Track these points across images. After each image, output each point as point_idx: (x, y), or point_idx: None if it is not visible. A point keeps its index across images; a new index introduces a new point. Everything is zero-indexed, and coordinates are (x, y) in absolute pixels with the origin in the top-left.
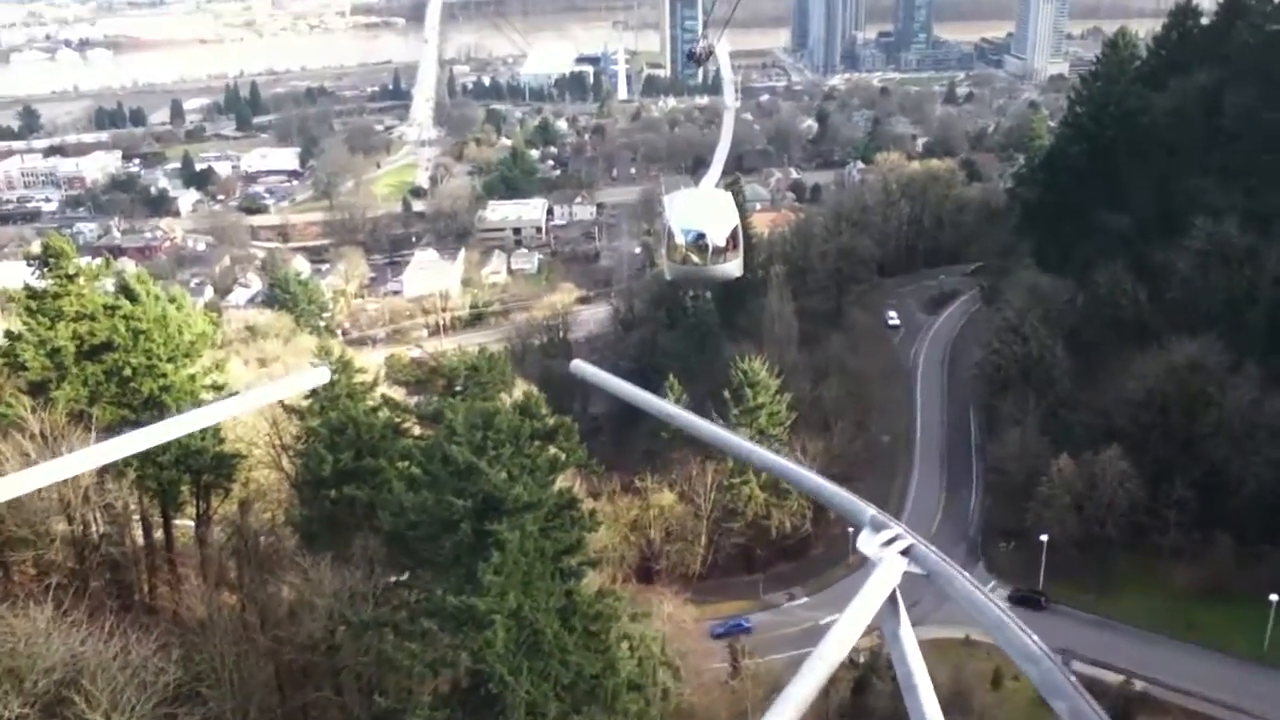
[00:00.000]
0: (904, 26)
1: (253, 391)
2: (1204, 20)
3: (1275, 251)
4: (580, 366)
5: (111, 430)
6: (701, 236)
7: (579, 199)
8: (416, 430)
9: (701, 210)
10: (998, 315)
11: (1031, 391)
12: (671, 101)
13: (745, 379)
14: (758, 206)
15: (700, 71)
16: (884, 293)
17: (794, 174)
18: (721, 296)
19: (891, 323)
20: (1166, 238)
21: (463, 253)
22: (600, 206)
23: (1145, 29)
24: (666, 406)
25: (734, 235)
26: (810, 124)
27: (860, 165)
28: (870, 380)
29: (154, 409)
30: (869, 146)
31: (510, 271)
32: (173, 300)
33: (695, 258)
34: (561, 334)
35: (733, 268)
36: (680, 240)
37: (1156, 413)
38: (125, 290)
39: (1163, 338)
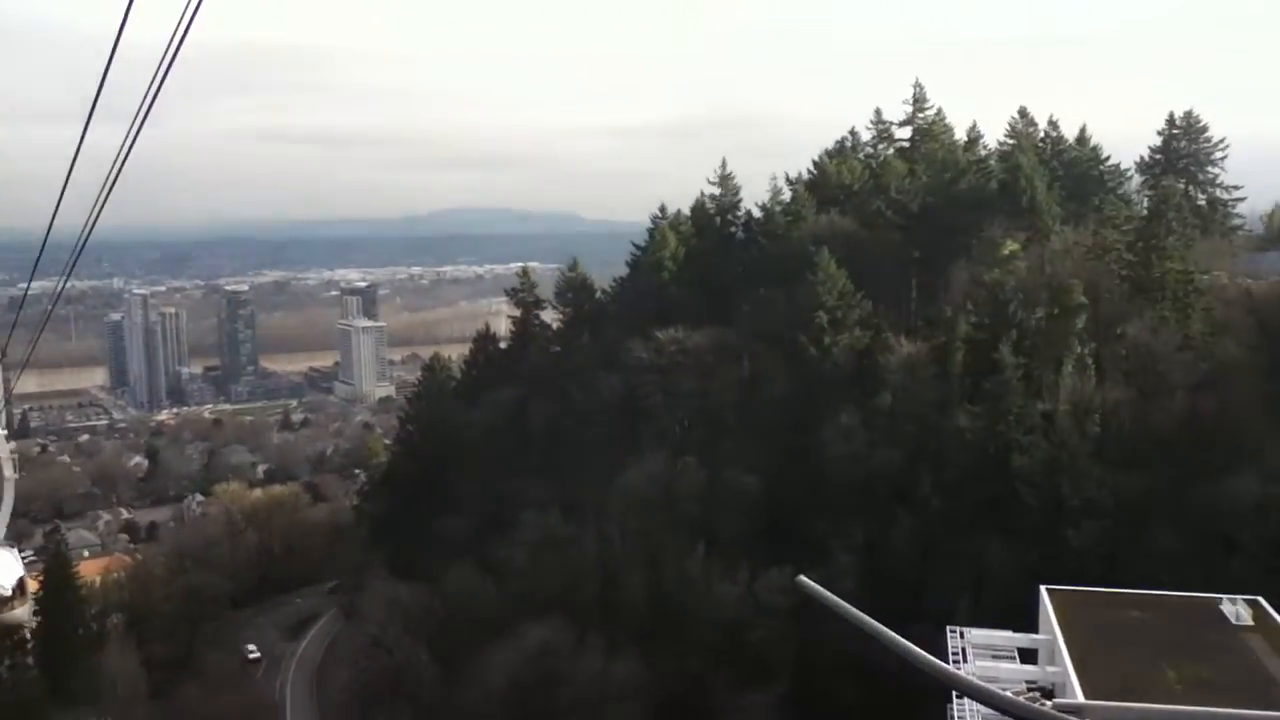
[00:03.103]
0: (230, 360)
1: None
2: (502, 344)
3: (591, 535)
4: None
5: None
6: None
7: None
8: None
9: None
10: (361, 631)
11: (404, 703)
12: None
13: None
14: (85, 554)
15: (3, 415)
16: (241, 626)
17: (125, 514)
18: (48, 660)
19: (251, 657)
20: (502, 534)
21: None
22: None
23: (456, 352)
24: None
25: (21, 585)
26: (139, 460)
27: (200, 498)
28: None
29: None
30: (207, 478)
31: None
32: None
33: None
34: None
35: (22, 614)
36: None
37: (518, 699)
38: None
39: (515, 626)
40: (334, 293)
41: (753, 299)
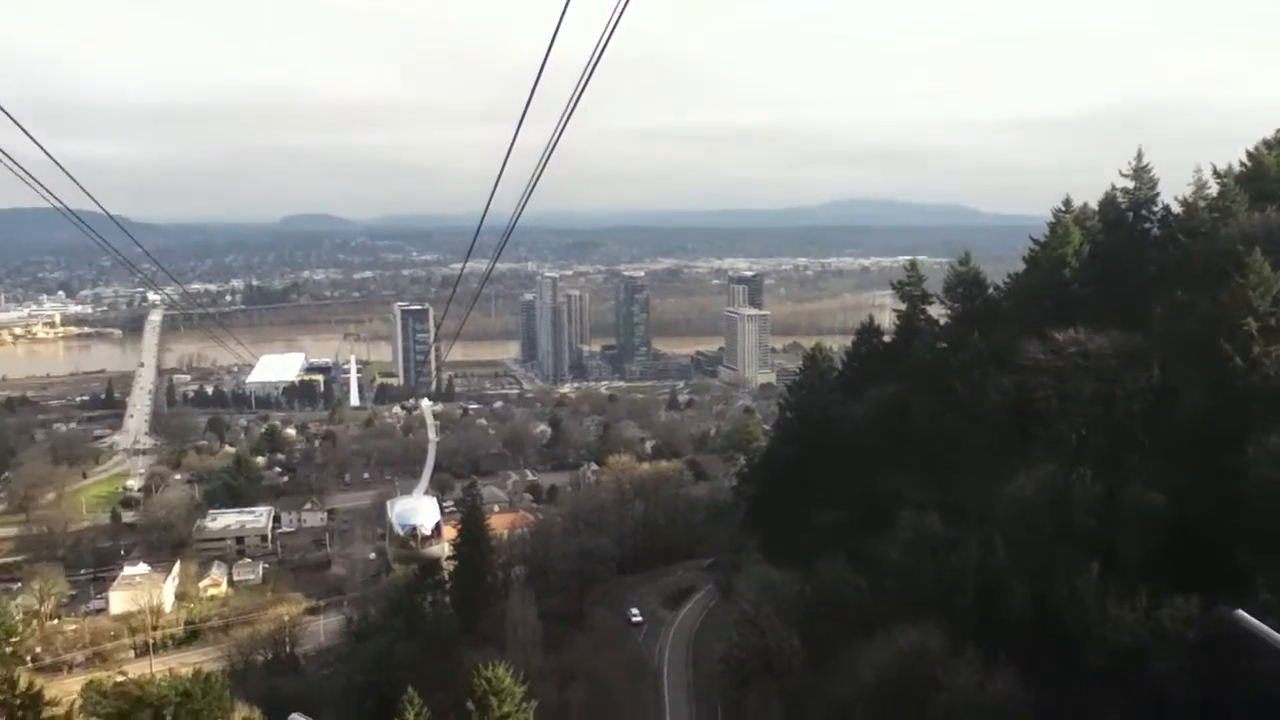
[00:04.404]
0: (626, 341)
1: None
2: (886, 338)
3: (974, 541)
4: None
5: None
6: (414, 529)
7: (308, 505)
8: None
9: (414, 511)
10: (735, 609)
11: (773, 684)
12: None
13: (489, 687)
14: (495, 508)
15: (434, 381)
16: (625, 590)
17: (530, 476)
18: (462, 601)
19: (635, 620)
20: (877, 531)
21: (178, 565)
22: (332, 513)
23: (837, 344)
24: None
25: (437, 527)
26: (544, 428)
27: (594, 467)
28: (617, 681)
29: None
30: (601, 449)
31: (232, 583)
32: None
33: (411, 543)
34: (288, 648)
35: (437, 549)
36: (399, 532)
37: (889, 700)
38: None
39: (886, 625)
40: (722, 281)
41: (1167, 302)
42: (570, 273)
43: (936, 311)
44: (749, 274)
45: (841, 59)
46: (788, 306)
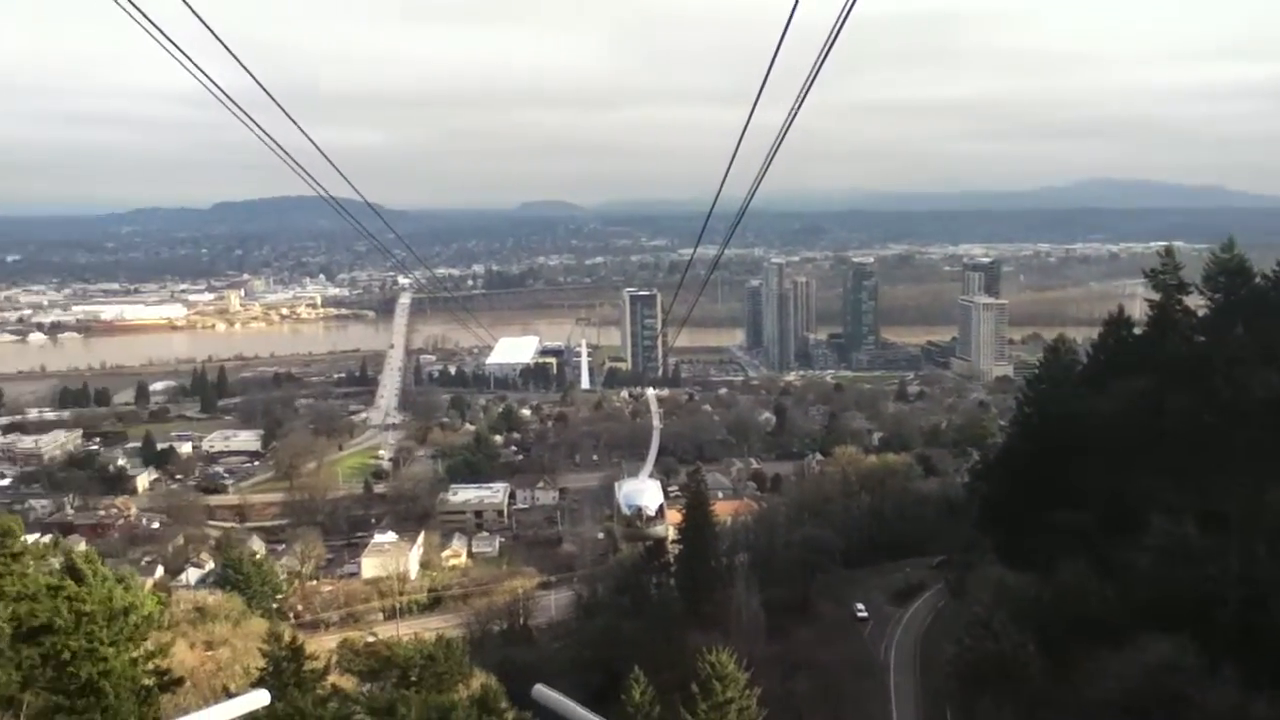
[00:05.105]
0: (853, 329)
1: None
2: (1136, 330)
3: (1236, 550)
4: (543, 693)
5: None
6: (640, 510)
7: (541, 484)
8: None
9: (640, 492)
10: (967, 611)
11: (1007, 690)
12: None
13: (713, 672)
14: (720, 495)
15: (660, 367)
16: (850, 584)
17: (754, 464)
18: (686, 585)
19: (860, 615)
20: (1125, 536)
21: (422, 535)
22: (563, 491)
23: (1082, 335)
24: None
25: (660, 509)
26: (768, 416)
27: (819, 457)
28: (841, 676)
29: (90, 695)
30: (826, 439)
31: (471, 555)
32: (120, 580)
33: (637, 523)
34: (522, 620)
35: (660, 530)
36: (626, 512)
37: (1137, 715)
38: (71, 570)
39: (1132, 636)
40: (956, 268)
41: None
42: (797, 258)
43: (1194, 302)
44: (985, 260)
45: (1101, 15)
46: (1027, 295)
